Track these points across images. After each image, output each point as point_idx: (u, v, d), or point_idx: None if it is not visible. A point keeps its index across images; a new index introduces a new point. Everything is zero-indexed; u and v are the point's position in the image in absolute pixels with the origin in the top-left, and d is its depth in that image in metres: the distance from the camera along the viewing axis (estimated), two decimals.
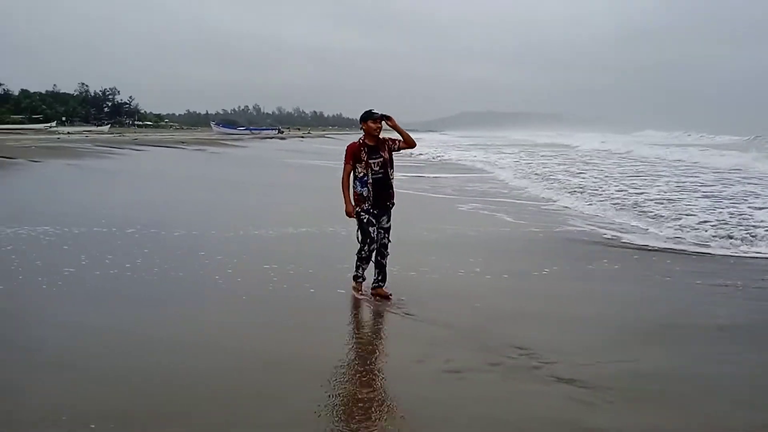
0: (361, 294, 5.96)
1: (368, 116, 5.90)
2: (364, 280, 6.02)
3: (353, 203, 5.90)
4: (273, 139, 63.52)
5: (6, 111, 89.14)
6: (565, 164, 25.59)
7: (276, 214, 11.38)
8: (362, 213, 5.87)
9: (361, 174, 5.86)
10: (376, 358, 4.54)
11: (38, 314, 5.25)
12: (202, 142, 44.96)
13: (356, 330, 5.25)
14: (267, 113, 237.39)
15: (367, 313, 5.63)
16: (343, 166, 5.95)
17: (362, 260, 5.93)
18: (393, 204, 6.03)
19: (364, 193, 5.86)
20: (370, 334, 5.24)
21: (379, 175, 5.88)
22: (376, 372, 4.24)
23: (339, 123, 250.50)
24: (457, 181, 18.89)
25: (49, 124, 75.63)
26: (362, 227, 5.88)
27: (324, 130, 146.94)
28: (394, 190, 6.04)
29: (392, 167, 6.00)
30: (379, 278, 6.02)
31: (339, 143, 57.82)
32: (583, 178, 19.09)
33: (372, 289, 6.00)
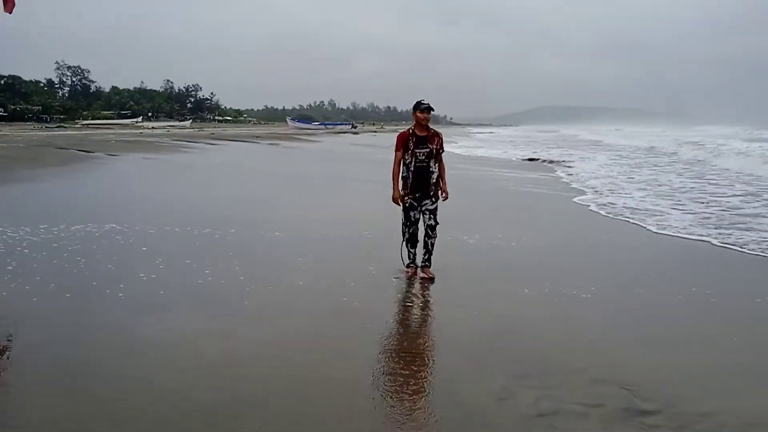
0: (413, 269, 6.31)
1: (416, 106, 6.24)
2: (417, 266, 6.35)
3: (401, 189, 6.27)
4: (346, 134, 63.81)
5: (97, 107, 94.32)
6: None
7: (336, 212, 10.98)
8: (405, 197, 6.27)
9: (408, 161, 6.22)
10: (449, 393, 3.65)
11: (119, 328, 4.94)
12: (277, 137, 45.61)
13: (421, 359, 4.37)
14: (342, 108, 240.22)
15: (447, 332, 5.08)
16: (394, 153, 6.31)
17: (407, 242, 6.36)
18: (439, 196, 6.30)
19: (405, 177, 6.24)
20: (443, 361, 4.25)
21: (423, 164, 6.21)
22: (448, 414, 3.37)
23: (411, 117, 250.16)
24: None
25: (135, 120, 79.39)
26: (404, 210, 6.33)
27: (397, 125, 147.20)
28: (444, 183, 6.32)
29: (437, 161, 6.26)
30: (425, 258, 6.35)
31: None
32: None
33: (420, 269, 6.36)
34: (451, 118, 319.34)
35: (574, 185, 15.71)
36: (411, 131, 6.26)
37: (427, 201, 6.26)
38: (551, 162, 25.12)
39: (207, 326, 4.64)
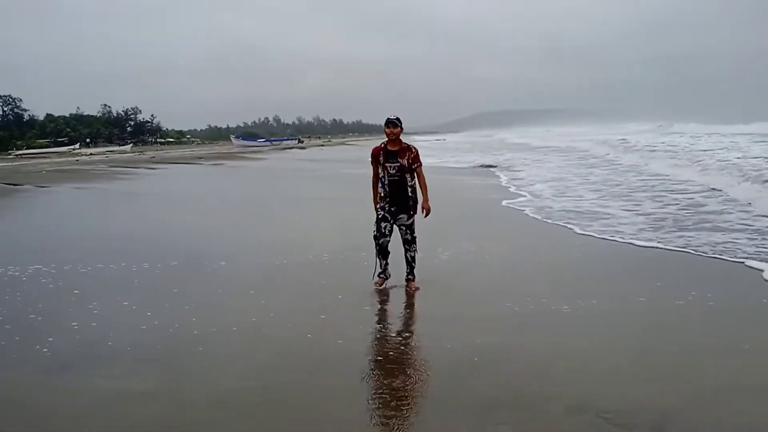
0: (381, 281, 6.48)
1: (386, 122, 6.39)
2: (386, 278, 6.53)
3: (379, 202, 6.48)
4: (293, 150, 63.16)
5: (32, 136, 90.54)
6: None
7: (283, 234, 10.61)
8: (379, 210, 6.42)
9: (381, 175, 6.41)
10: None
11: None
12: (221, 156, 44.70)
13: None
14: (287, 123, 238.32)
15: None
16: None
17: (378, 253, 6.45)
18: (417, 211, 6.42)
19: (381, 192, 6.42)
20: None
21: (395, 178, 6.34)
22: None
23: (359, 129, 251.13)
24: None
25: (72, 147, 76.53)
26: (376, 221, 6.44)
27: (344, 137, 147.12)
28: (418, 196, 6.43)
29: (411, 175, 6.35)
30: (408, 271, 6.53)
31: (359, 149, 57.31)
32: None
33: (405, 281, 6.53)
34: None
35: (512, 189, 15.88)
36: (383, 146, 6.43)
37: (402, 215, 6.40)
38: (491, 167, 25.61)
39: (144, 386, 4.20)
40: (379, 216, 6.38)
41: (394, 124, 6.28)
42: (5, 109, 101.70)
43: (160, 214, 13.61)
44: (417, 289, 6.42)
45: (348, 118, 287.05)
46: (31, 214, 14.54)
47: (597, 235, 9.23)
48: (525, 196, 14.62)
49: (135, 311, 5.77)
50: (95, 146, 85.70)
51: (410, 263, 6.47)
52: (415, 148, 6.39)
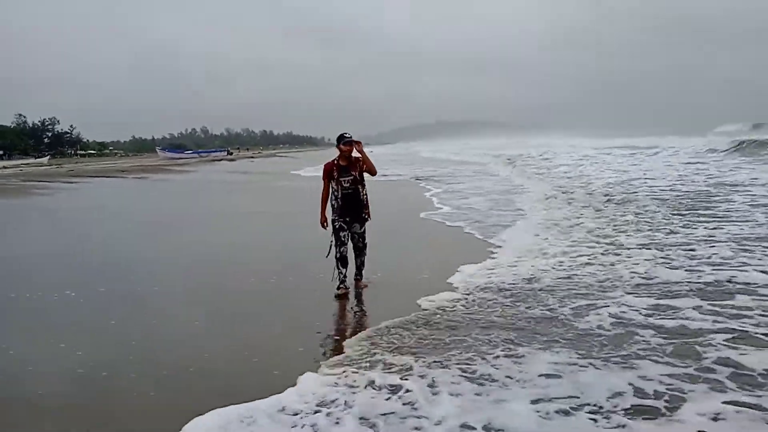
0: (343, 290, 6.68)
1: (339, 139, 6.82)
2: (347, 288, 6.77)
3: (331, 213, 6.82)
4: (222, 162, 61.64)
5: None
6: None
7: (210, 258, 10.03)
8: (335, 221, 6.81)
9: (334, 189, 6.78)
10: None
11: None
12: (146, 170, 42.92)
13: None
14: (215, 135, 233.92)
15: None
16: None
17: (338, 262, 6.77)
18: (367, 218, 6.94)
19: (335, 205, 6.80)
20: None
21: (349, 191, 6.77)
22: None
23: (289, 141, 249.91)
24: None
25: None
26: (334, 232, 6.80)
27: (275, 149, 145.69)
28: (368, 204, 6.93)
29: (363, 185, 6.86)
30: (357, 272, 7.12)
31: (290, 162, 56.68)
32: None
33: (355, 279, 7.08)
34: (329, 139, 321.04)
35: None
36: (335, 162, 6.83)
37: (356, 224, 6.88)
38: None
39: None
40: (337, 226, 6.77)
41: (350, 143, 6.72)
42: None
43: (81, 232, 12.50)
44: (366, 286, 7.04)
45: (278, 130, 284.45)
46: None
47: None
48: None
49: (62, 350, 5.16)
50: (9, 159, 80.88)
51: (360, 267, 7.12)
52: (362, 159, 6.83)
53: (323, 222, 6.95)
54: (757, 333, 4.88)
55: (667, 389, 3.94)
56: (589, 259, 7.92)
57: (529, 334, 5.10)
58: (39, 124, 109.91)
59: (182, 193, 24.65)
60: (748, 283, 6.33)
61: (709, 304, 5.66)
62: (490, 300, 6.22)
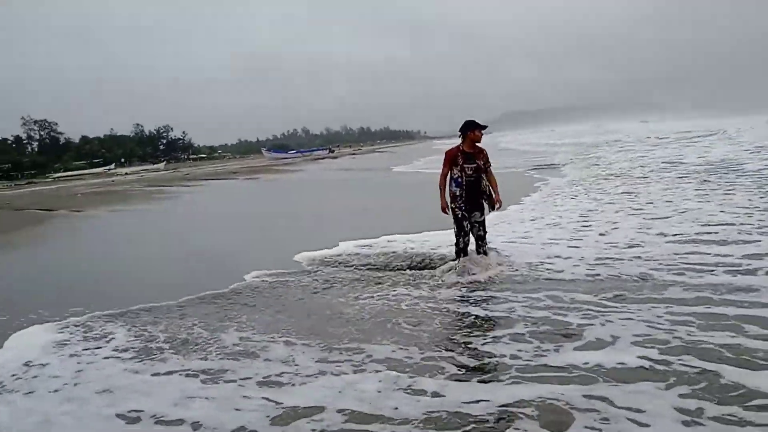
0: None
1: (474, 126, 6.60)
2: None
3: (449, 201, 6.65)
4: (325, 159, 62.53)
5: (68, 158, 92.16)
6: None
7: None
8: (456, 209, 6.63)
9: (457, 176, 6.62)
10: None
11: None
12: (255, 170, 44.16)
13: None
14: (315, 134, 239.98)
15: None
16: (441, 168, 6.72)
17: (459, 252, 6.63)
18: (486, 209, 6.74)
19: (457, 192, 6.63)
20: None
21: (472, 179, 6.63)
22: None
23: (386, 136, 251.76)
24: None
25: (107, 167, 77.43)
26: (456, 221, 6.64)
27: (373, 145, 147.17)
28: (491, 194, 6.73)
29: (485, 174, 6.70)
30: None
31: (392, 156, 56.39)
32: None
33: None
34: (425, 132, 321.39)
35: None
36: (460, 148, 6.66)
37: (476, 213, 6.69)
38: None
39: None
40: (459, 216, 6.59)
41: (484, 127, 6.64)
42: (42, 133, 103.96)
43: (208, 234, 12.35)
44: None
45: (375, 126, 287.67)
46: (62, 246, 12.59)
47: None
48: None
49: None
50: (129, 165, 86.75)
51: (484, 251, 6.81)
52: (485, 150, 6.75)
53: (444, 207, 6.70)
54: None
55: None
56: None
57: None
58: (155, 132, 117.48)
59: (303, 190, 24.57)
60: None
61: None
62: None
